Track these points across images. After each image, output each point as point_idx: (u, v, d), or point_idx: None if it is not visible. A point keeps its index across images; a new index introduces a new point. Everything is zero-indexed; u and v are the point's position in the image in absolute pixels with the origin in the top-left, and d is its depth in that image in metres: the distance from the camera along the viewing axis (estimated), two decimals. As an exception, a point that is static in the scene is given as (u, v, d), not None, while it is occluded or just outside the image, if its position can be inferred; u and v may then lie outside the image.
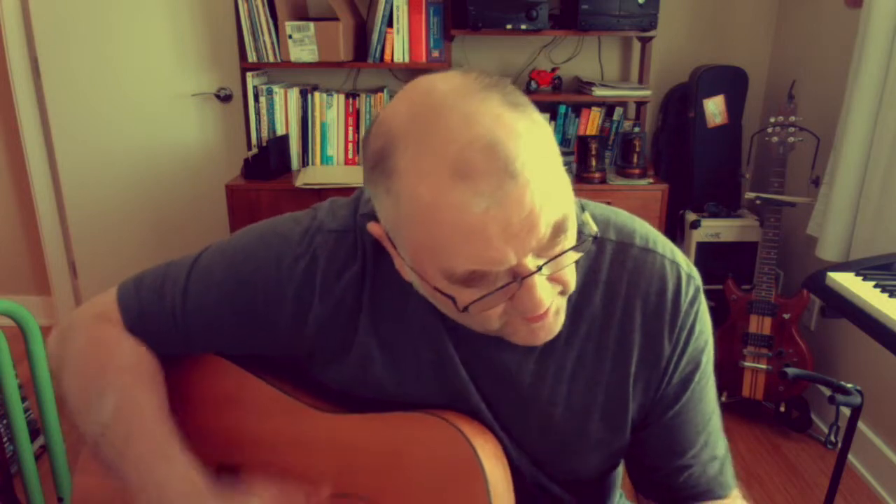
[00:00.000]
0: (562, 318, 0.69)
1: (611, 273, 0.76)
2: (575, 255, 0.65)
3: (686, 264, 0.78)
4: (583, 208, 0.67)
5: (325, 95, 2.73)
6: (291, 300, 0.76)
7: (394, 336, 0.77)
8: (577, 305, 0.76)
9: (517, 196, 0.58)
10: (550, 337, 0.69)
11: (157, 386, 0.81)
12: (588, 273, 0.76)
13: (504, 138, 0.58)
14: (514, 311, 0.65)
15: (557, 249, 0.63)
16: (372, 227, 0.69)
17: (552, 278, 0.64)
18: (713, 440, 0.81)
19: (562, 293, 0.67)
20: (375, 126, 0.64)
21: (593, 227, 0.66)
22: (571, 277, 0.67)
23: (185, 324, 0.80)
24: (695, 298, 0.77)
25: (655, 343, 0.76)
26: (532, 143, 0.60)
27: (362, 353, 0.77)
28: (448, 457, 0.75)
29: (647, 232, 0.79)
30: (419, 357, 0.77)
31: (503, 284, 0.62)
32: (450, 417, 0.76)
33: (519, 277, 0.61)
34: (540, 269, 0.61)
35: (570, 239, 0.64)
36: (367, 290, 0.76)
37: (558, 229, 0.61)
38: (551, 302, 0.65)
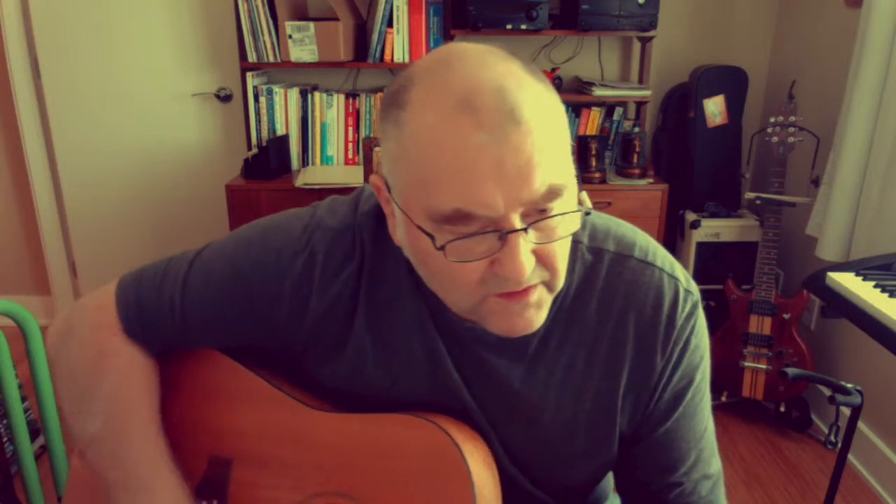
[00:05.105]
0: (543, 315, 0.67)
1: (607, 283, 0.75)
2: (566, 229, 0.63)
3: (685, 280, 0.77)
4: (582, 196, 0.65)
5: (325, 95, 2.73)
6: (289, 294, 0.76)
7: (388, 334, 0.77)
8: (571, 312, 0.75)
9: (517, 141, 0.58)
10: (529, 329, 0.67)
11: (147, 406, 0.83)
12: (584, 281, 0.75)
13: (515, 88, 0.59)
14: (493, 283, 0.63)
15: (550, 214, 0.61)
16: (372, 179, 0.69)
17: (538, 254, 0.62)
18: (705, 457, 0.80)
19: (547, 284, 0.65)
20: (400, 74, 0.66)
21: (588, 204, 0.65)
22: (560, 263, 0.65)
23: (183, 317, 0.81)
24: (691, 314, 0.76)
25: (648, 357, 0.75)
26: (543, 104, 0.61)
27: (357, 350, 0.78)
28: (435, 460, 0.75)
29: (648, 245, 0.78)
30: (412, 355, 0.77)
31: (486, 231, 0.60)
32: (439, 421, 0.76)
33: (503, 231, 0.60)
34: (526, 229, 0.60)
35: (564, 209, 0.62)
36: (364, 287, 0.76)
37: (553, 192, 0.60)
38: (534, 282, 0.64)
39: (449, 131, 0.58)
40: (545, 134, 0.59)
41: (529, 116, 0.58)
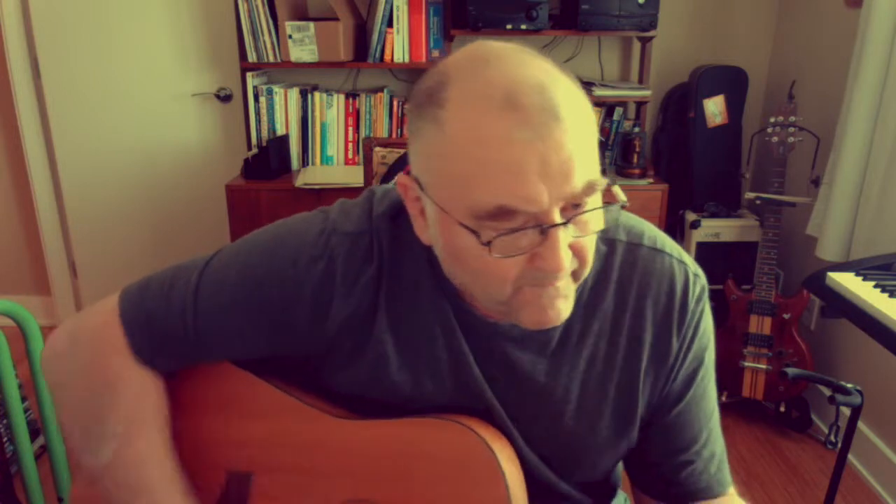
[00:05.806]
0: (570, 306, 0.68)
1: (622, 273, 0.77)
2: (597, 223, 0.65)
3: (692, 264, 0.80)
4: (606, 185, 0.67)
5: (325, 95, 2.73)
6: (309, 301, 0.75)
7: (409, 335, 0.77)
8: (590, 304, 0.76)
9: (559, 138, 0.59)
10: (558, 321, 0.68)
11: (159, 429, 0.80)
12: (600, 272, 0.77)
13: (552, 86, 0.61)
14: (531, 276, 0.64)
15: (585, 208, 0.63)
16: (400, 178, 0.69)
17: (573, 247, 0.64)
18: (714, 437, 0.83)
19: (574, 274, 0.67)
20: (430, 72, 0.66)
21: (623, 198, 0.67)
22: (590, 254, 0.67)
23: (195, 328, 0.78)
24: (700, 297, 0.79)
25: (664, 341, 0.77)
26: (577, 101, 0.62)
27: (377, 354, 0.77)
28: (467, 461, 0.74)
29: (655, 233, 0.80)
30: (434, 355, 0.77)
31: (527, 226, 0.61)
32: (465, 421, 0.75)
33: (545, 226, 0.61)
34: (566, 223, 0.61)
35: (596, 204, 0.64)
36: (384, 290, 0.76)
37: (590, 188, 0.62)
38: (567, 273, 0.65)
39: (493, 128, 0.59)
40: (581, 130, 0.61)
41: (567, 113, 0.60)
